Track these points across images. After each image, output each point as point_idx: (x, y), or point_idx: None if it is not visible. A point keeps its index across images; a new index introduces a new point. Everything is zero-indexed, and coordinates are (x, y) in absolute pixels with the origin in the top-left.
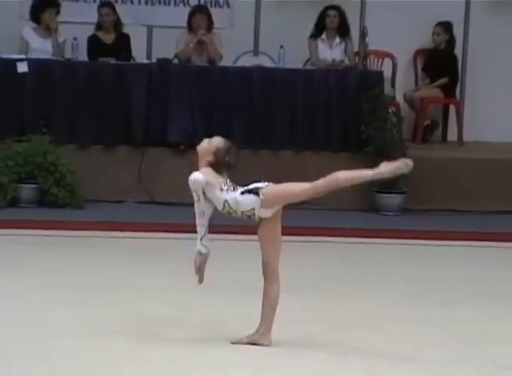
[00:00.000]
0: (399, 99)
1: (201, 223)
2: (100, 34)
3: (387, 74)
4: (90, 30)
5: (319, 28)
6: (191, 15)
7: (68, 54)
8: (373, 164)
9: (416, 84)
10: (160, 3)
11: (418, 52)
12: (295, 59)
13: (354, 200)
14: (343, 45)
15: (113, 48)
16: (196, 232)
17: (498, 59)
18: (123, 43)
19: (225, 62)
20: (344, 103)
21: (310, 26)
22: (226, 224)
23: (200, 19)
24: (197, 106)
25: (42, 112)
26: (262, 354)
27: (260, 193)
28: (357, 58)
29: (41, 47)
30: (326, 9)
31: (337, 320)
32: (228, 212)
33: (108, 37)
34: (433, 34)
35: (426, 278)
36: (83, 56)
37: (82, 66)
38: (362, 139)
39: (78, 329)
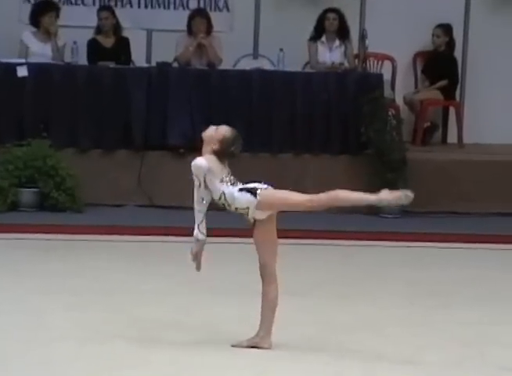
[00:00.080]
0: (399, 101)
1: (199, 209)
2: (100, 38)
3: (387, 76)
4: (90, 34)
5: (319, 31)
6: (190, 18)
7: (68, 58)
8: (373, 166)
9: (416, 86)
10: (159, 7)
11: (418, 55)
12: (295, 62)
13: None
14: (342, 48)
15: (112, 52)
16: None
17: (498, 61)
18: (122, 47)
19: (225, 65)
20: (344, 106)
21: (309, 29)
22: (226, 227)
23: (199, 22)
24: (197, 110)
25: (42, 116)
26: (262, 357)
27: (257, 195)
28: (357, 60)
29: (40, 51)
30: (326, 11)
31: (337, 323)
32: (223, 204)
33: (108, 41)
34: (432, 36)
35: (426, 280)
36: (83, 59)
37: (82, 70)
38: (361, 142)
39: (78, 332)
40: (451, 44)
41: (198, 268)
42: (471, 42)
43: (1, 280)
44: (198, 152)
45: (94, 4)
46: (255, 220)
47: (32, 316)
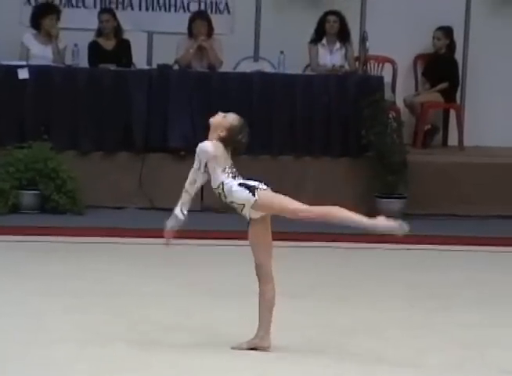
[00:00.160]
0: (399, 104)
1: (188, 191)
2: (101, 41)
3: (388, 79)
4: (91, 37)
5: (319, 33)
6: (191, 21)
7: (69, 60)
8: (374, 169)
9: (417, 89)
10: (160, 9)
11: (418, 57)
12: (295, 64)
13: (354, 205)
14: (343, 51)
15: (113, 55)
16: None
17: (498, 64)
18: (123, 49)
19: (225, 67)
20: (344, 108)
21: (310, 31)
22: (225, 230)
23: (200, 25)
24: (197, 112)
25: (43, 118)
26: (262, 359)
27: (256, 194)
28: (357, 63)
29: (41, 53)
30: (326, 14)
31: (336, 325)
32: (219, 193)
33: (108, 44)
34: (433, 38)
35: (426, 283)
36: (84, 62)
37: (82, 73)
38: (362, 144)
39: (78, 334)
40: (451, 46)
41: (167, 244)
42: (472, 45)
43: (1, 282)
44: None
45: (95, 6)
46: (250, 218)
47: (32, 317)
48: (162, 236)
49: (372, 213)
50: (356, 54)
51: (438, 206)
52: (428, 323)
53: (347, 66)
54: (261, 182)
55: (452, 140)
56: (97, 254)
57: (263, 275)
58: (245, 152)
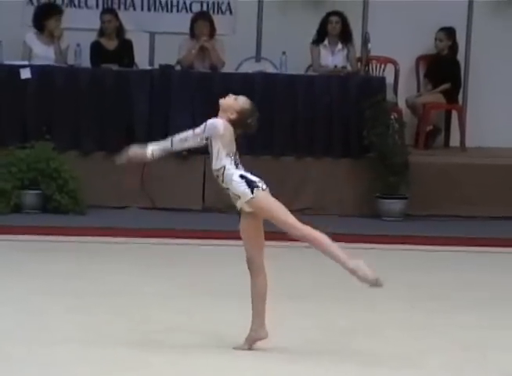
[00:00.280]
0: (401, 104)
1: (173, 142)
2: (103, 41)
3: (390, 79)
4: (93, 37)
5: (321, 34)
6: (193, 21)
7: (71, 60)
8: (375, 170)
9: (419, 90)
10: (162, 9)
11: (420, 58)
12: (297, 65)
13: (356, 206)
14: (345, 51)
15: (115, 55)
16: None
17: (500, 65)
18: (125, 49)
19: (227, 68)
20: (346, 109)
21: (312, 32)
22: (227, 230)
23: (202, 25)
24: (199, 113)
25: (45, 118)
26: (263, 360)
27: (254, 192)
28: (359, 64)
29: (43, 53)
30: (329, 15)
31: (337, 326)
32: (218, 176)
33: (111, 44)
34: (435, 39)
35: (427, 284)
36: (86, 62)
37: (85, 73)
38: (364, 145)
39: (80, 335)
40: (454, 47)
41: (119, 161)
42: (474, 46)
43: (4, 281)
44: (200, 155)
45: (97, 7)
46: (241, 210)
47: (34, 317)
48: (164, 236)
49: (373, 215)
50: (358, 55)
51: (439, 207)
52: (429, 325)
53: (349, 67)
54: (261, 179)
55: (454, 141)
56: (99, 254)
57: (254, 269)
58: (246, 152)
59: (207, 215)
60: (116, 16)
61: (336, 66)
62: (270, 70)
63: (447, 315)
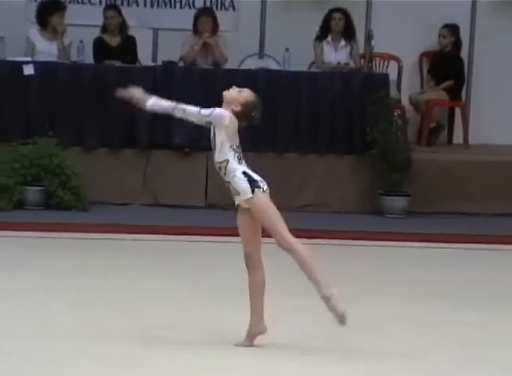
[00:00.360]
0: (405, 101)
1: (177, 108)
2: (106, 37)
3: (393, 76)
4: (96, 33)
5: (325, 31)
6: (196, 17)
7: (74, 57)
8: (378, 166)
9: (422, 86)
10: (165, 6)
11: (424, 55)
12: (300, 61)
13: (358, 203)
14: (348, 48)
15: (118, 51)
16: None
17: (504, 62)
18: (128, 46)
19: (230, 64)
20: (349, 106)
21: (315, 28)
22: (229, 226)
23: (205, 21)
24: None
25: (48, 115)
26: (264, 356)
27: (255, 192)
28: (362, 60)
29: (46, 50)
30: (332, 11)
31: (336, 322)
32: (220, 168)
33: (114, 40)
34: (439, 36)
35: (429, 281)
36: (89, 58)
37: (88, 69)
38: (367, 142)
39: (82, 330)
40: (457, 44)
41: (119, 94)
42: (477, 43)
43: (7, 278)
44: (203, 151)
45: (100, 3)
46: (239, 206)
47: (37, 313)
48: (166, 233)
49: (376, 212)
50: (361, 51)
51: (442, 204)
52: (430, 322)
53: (352, 64)
54: (263, 178)
55: (457, 138)
56: (101, 250)
57: (252, 265)
58: (250, 149)
59: (210, 211)
60: (119, 12)
61: (339, 63)
62: (273, 66)
63: (448, 312)
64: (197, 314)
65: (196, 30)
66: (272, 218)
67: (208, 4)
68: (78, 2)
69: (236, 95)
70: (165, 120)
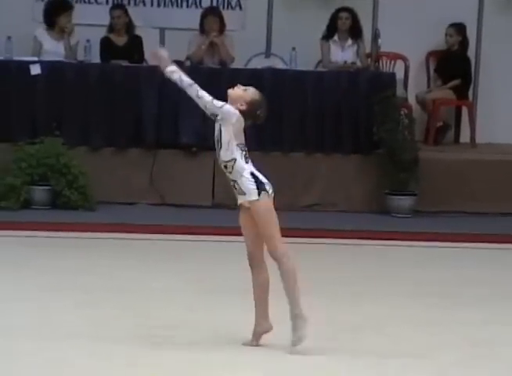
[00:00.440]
0: (411, 100)
1: (193, 86)
2: (112, 37)
3: (400, 75)
4: (102, 33)
5: (331, 30)
6: (203, 17)
7: (81, 56)
8: (385, 166)
9: (429, 85)
10: (172, 5)
11: (430, 54)
12: (307, 61)
13: (365, 202)
14: (355, 47)
15: (125, 51)
16: None
17: (511, 61)
18: (135, 45)
19: (237, 64)
20: (356, 105)
21: (322, 28)
22: (236, 226)
23: (212, 21)
24: None
25: (55, 114)
26: (272, 355)
27: (261, 195)
28: (369, 60)
29: (53, 49)
30: (339, 11)
31: (347, 322)
32: (225, 167)
33: (120, 40)
34: (446, 35)
35: (436, 280)
36: (95, 58)
37: (94, 69)
38: (373, 141)
39: (89, 330)
40: (464, 43)
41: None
42: (484, 42)
43: (13, 277)
44: (210, 151)
45: (107, 2)
46: (241, 205)
47: (43, 313)
48: (173, 232)
49: (383, 211)
50: (368, 51)
51: (449, 203)
52: (437, 321)
53: (359, 63)
54: (268, 178)
55: (464, 137)
56: (108, 249)
57: (255, 264)
58: (256, 148)
59: (217, 211)
60: (125, 11)
61: (346, 62)
62: (280, 65)
63: (455, 311)
64: (203, 313)
65: (202, 29)
66: (271, 225)
67: (215, 3)
68: (85, 2)
69: (242, 93)
70: (172, 119)
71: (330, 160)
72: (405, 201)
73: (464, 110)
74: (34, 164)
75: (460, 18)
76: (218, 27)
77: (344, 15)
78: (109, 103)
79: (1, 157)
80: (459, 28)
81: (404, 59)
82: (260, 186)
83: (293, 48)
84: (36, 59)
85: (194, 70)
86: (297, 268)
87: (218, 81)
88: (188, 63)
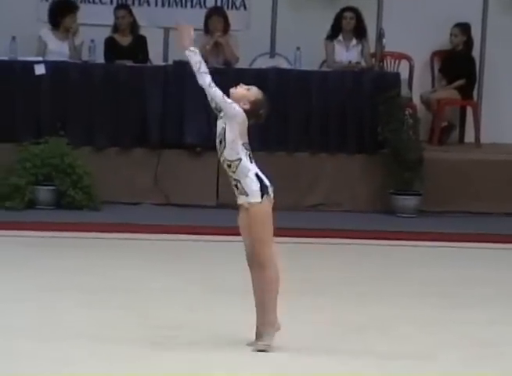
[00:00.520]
0: (416, 100)
1: (207, 76)
2: (117, 37)
3: (404, 75)
4: (107, 33)
5: (336, 30)
6: (207, 17)
7: (85, 56)
8: (390, 165)
9: (433, 85)
10: (176, 5)
11: (435, 54)
12: (311, 60)
13: (370, 202)
14: (359, 47)
15: (129, 51)
16: None
17: None
18: (140, 45)
19: (242, 64)
20: (360, 105)
21: (326, 27)
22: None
23: (216, 21)
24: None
25: (59, 114)
26: (276, 355)
27: (264, 198)
28: (373, 59)
29: (58, 49)
30: (343, 10)
31: (352, 322)
32: (229, 166)
33: (125, 40)
34: (450, 35)
35: (442, 280)
36: (100, 58)
37: (99, 69)
38: (378, 141)
39: (90, 330)
40: (469, 43)
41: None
42: (489, 42)
43: (16, 277)
44: (215, 151)
45: (111, 2)
46: (241, 205)
47: (45, 313)
48: (178, 232)
49: (387, 211)
50: (373, 50)
51: (454, 203)
52: (442, 321)
53: (363, 63)
54: (271, 178)
55: (469, 137)
56: (112, 249)
57: (255, 266)
58: (261, 148)
59: (221, 211)
60: (130, 11)
61: (350, 62)
62: (284, 65)
63: (460, 311)
64: (207, 314)
65: (207, 29)
66: (265, 230)
67: (219, 3)
68: (89, 2)
69: (245, 92)
70: (176, 119)
71: (335, 160)
72: (409, 201)
73: (469, 110)
74: (39, 164)
75: (465, 18)
76: (223, 27)
77: (348, 15)
78: (113, 103)
79: (5, 157)
80: (463, 28)
81: (408, 58)
82: (263, 189)
83: (298, 48)
84: (40, 59)
85: None
86: (281, 277)
87: (223, 81)
88: None
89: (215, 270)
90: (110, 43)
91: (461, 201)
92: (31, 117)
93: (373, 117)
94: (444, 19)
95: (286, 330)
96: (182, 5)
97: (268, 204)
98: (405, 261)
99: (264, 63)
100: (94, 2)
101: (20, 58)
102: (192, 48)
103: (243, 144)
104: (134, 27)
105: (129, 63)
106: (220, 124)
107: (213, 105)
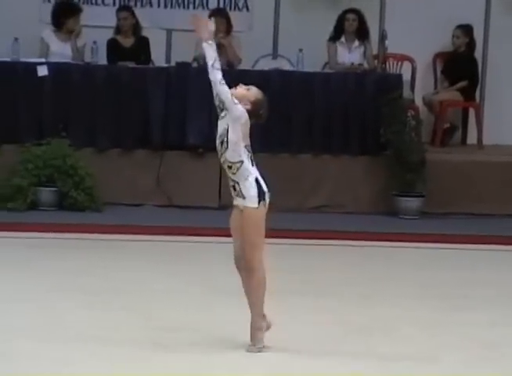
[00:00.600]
0: (418, 102)
1: (218, 73)
2: (119, 38)
3: (407, 77)
4: (109, 34)
5: (338, 31)
6: (210, 18)
7: (88, 58)
8: (392, 167)
9: (436, 87)
10: (179, 6)
11: (437, 55)
12: (314, 62)
13: (372, 204)
14: (362, 49)
15: (132, 52)
16: None
17: None
18: (142, 47)
19: (244, 65)
20: (363, 107)
21: (329, 29)
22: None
23: (219, 22)
24: (216, 110)
25: (61, 116)
26: (278, 356)
27: (260, 203)
28: (376, 61)
29: (60, 51)
30: (345, 12)
31: (354, 323)
32: (229, 167)
33: (127, 41)
34: (453, 36)
35: (445, 282)
36: (102, 59)
37: (101, 70)
38: (380, 143)
39: (92, 331)
40: (471, 45)
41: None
42: (491, 43)
43: (19, 279)
44: (217, 152)
45: (114, 4)
46: (236, 206)
47: (46, 314)
48: (180, 234)
49: (390, 213)
50: (375, 52)
51: (456, 204)
52: (444, 322)
53: (365, 65)
54: (271, 178)
55: (471, 139)
56: (114, 251)
57: (242, 268)
58: (263, 150)
59: (224, 212)
60: (132, 13)
61: (352, 64)
62: (287, 67)
63: (462, 313)
64: (208, 315)
65: None
66: (258, 234)
67: (222, 4)
68: (92, 3)
69: (246, 93)
70: (179, 120)
71: (338, 162)
72: (412, 203)
73: (471, 112)
74: (41, 165)
75: (467, 19)
76: (225, 29)
77: (351, 16)
78: (116, 105)
79: (8, 158)
80: (466, 29)
81: (411, 60)
82: (261, 195)
83: (301, 50)
84: (43, 60)
85: (201, 71)
86: (265, 286)
87: (226, 83)
88: (195, 65)
89: (217, 272)
90: (113, 44)
91: (463, 203)
92: (34, 119)
93: (376, 119)
94: (446, 20)
95: (287, 331)
96: (184, 7)
97: (263, 209)
98: (407, 262)
99: (266, 64)
100: (96, 4)
101: (23, 59)
102: (210, 42)
103: (245, 146)
104: (136, 28)
105: (131, 64)
106: (222, 124)
107: (216, 102)
